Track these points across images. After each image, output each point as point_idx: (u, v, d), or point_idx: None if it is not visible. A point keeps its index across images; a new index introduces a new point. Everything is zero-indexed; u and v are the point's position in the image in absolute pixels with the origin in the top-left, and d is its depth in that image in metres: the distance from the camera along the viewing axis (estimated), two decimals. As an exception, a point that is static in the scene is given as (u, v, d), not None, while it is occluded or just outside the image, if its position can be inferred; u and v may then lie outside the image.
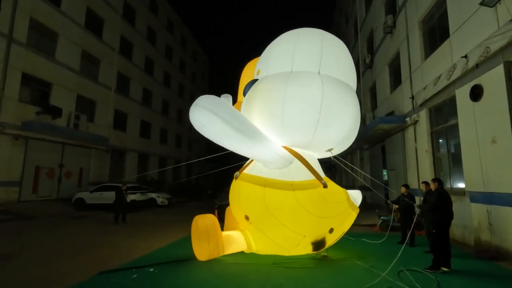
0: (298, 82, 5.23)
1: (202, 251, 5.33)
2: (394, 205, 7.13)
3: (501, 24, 5.71)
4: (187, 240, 7.42)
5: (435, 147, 8.93)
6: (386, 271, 4.44)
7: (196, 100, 4.97)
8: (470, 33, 6.70)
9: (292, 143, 5.64)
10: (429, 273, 4.77)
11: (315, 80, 5.26)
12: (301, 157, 5.83)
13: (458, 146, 7.78)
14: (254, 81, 6.05)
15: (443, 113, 8.47)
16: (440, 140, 8.81)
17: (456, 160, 7.99)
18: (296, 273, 4.74)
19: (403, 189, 7.18)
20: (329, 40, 5.81)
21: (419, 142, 9.66)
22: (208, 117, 4.77)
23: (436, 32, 8.80)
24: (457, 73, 7.02)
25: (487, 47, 5.88)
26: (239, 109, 6.33)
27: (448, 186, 8.05)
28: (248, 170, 5.92)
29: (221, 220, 9.89)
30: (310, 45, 5.61)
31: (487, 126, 6.17)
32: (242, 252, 5.84)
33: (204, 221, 5.39)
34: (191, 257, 5.54)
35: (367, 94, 16.64)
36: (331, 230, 5.62)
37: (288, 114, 5.18)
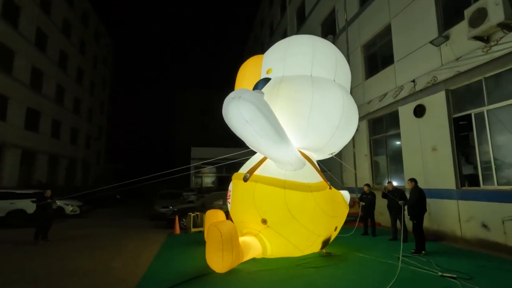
0: (324, 87, 5.42)
1: (224, 262, 4.75)
2: (361, 202, 8.20)
3: (443, 59, 7.50)
4: (170, 252, 6.44)
5: (373, 152, 10.74)
6: (400, 263, 5.16)
7: (237, 92, 4.47)
8: (415, 63, 8.46)
9: (307, 145, 5.77)
10: (417, 256, 5.79)
11: (337, 87, 5.59)
12: (310, 159, 6.04)
13: (396, 152, 9.64)
14: (267, 79, 5.88)
15: (382, 124, 10.30)
16: (378, 147, 10.68)
17: (393, 163, 9.87)
18: (331, 272, 4.89)
19: (366, 188, 8.35)
20: (338, 52, 6.27)
21: (358, 147, 11.38)
22: (254, 114, 4.38)
23: (378, 56, 10.64)
24: (403, 94, 8.73)
25: (435, 76, 7.60)
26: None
27: (386, 184, 9.85)
28: (260, 171, 5.64)
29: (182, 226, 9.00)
30: (327, 54, 5.91)
31: (428, 137, 7.94)
32: (253, 259, 5.53)
33: (228, 229, 4.83)
34: (204, 271, 4.89)
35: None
36: (335, 228, 6.05)
37: (314, 117, 5.30)
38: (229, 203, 6.23)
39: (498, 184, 6.33)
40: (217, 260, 4.78)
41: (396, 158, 9.63)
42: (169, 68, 70.67)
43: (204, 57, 69.79)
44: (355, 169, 11.41)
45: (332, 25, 13.79)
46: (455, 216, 7.12)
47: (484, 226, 6.42)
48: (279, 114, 5.34)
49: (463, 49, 6.91)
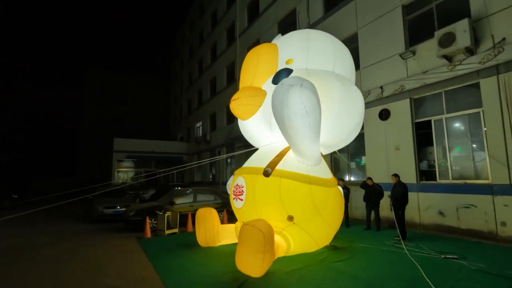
0: (349, 87, 5.54)
1: (264, 266, 4.36)
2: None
3: (409, 71, 8.68)
4: (165, 260, 5.46)
5: (333, 149, 11.60)
6: (405, 247, 5.73)
7: (296, 80, 4.17)
8: (382, 71, 9.52)
9: (326, 142, 5.78)
10: (404, 242, 6.54)
11: (355, 87, 5.79)
12: (323, 155, 6.10)
13: (357, 150, 10.66)
14: (289, 70, 5.61)
15: (344, 125, 11.22)
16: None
17: (354, 160, 10.88)
18: (359, 264, 5.05)
19: (341, 183, 8.92)
20: (349, 52, 6.49)
21: (317, 145, 12.09)
22: (314, 105, 4.16)
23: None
24: (370, 98, 9.71)
25: (402, 85, 8.73)
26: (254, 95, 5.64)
27: (347, 179, 10.82)
28: (282, 166, 5.35)
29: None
30: (345, 53, 6.08)
31: (392, 138, 9.08)
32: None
33: (268, 229, 4.42)
34: (235, 276, 4.37)
35: (245, 97, 18.14)
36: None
37: (341, 115, 5.35)
38: (240, 200, 5.68)
39: (452, 179, 7.74)
40: (257, 264, 4.33)
41: (357, 156, 10.67)
42: (78, 41, 57.67)
43: (120, 34, 60.54)
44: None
45: (292, 25, 14.13)
46: (415, 206, 8.35)
47: (441, 213, 7.76)
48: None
49: (428, 64, 8.13)
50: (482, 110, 7.12)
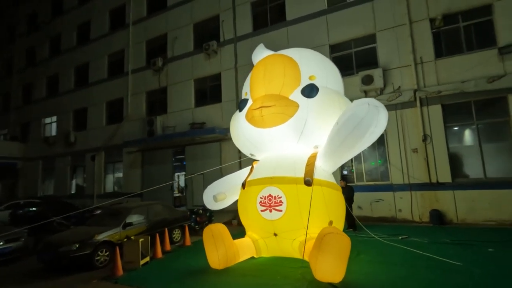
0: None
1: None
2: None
3: (334, 98, 11.03)
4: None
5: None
6: (376, 236, 7.45)
7: (377, 101, 4.90)
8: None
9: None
10: (356, 232, 8.36)
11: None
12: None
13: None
14: (316, 86, 6.06)
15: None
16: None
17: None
18: (372, 252, 6.16)
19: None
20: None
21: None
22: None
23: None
24: (303, 114, 11.42)
25: (331, 108, 10.93)
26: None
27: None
28: (316, 175, 5.74)
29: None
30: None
31: (320, 149, 11.11)
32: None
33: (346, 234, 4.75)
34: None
35: (143, 96, 15.80)
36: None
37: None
38: (278, 210, 5.51)
39: (366, 181, 10.53)
40: (343, 269, 4.64)
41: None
42: None
43: None
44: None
45: (214, 32, 13.99)
46: (340, 204, 10.62)
47: (359, 207, 10.34)
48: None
49: (350, 95, 10.68)
50: (386, 132, 10.26)
